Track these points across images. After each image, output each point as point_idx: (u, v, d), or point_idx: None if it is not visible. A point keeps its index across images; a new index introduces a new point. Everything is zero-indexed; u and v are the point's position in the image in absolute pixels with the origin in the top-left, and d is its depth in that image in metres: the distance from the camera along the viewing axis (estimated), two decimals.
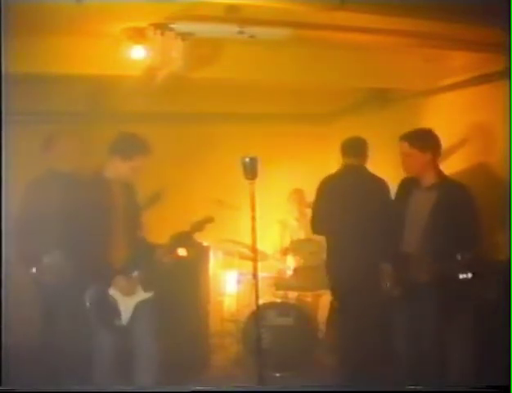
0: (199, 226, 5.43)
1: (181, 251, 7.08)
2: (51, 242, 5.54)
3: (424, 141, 5.33)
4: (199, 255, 7.29)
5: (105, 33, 5.71)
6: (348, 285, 6.16)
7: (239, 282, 7.80)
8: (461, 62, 6.49)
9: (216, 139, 8.24)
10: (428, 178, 5.38)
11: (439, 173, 5.40)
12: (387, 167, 7.26)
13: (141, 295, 5.20)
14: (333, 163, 8.86)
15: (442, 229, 5.15)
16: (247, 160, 4.37)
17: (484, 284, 5.13)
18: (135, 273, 5.14)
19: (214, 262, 7.89)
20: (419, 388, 4.93)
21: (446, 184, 5.36)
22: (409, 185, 5.53)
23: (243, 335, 7.24)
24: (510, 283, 4.91)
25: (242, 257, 7.58)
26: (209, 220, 5.47)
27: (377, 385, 5.41)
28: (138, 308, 5.15)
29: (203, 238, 7.24)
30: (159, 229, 5.46)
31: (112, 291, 5.04)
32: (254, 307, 5.22)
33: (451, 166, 5.99)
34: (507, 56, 5.26)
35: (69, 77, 6.21)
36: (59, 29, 5.53)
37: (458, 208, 5.17)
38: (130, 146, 5.08)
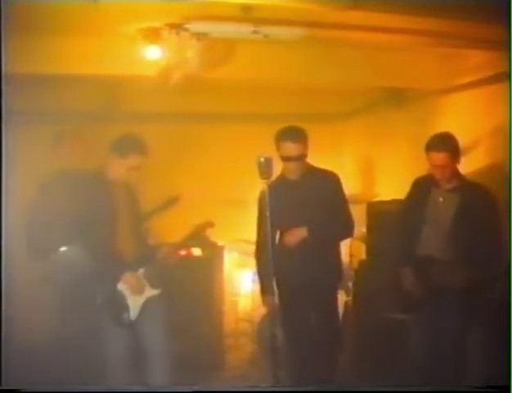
0: (200, 229, 5.48)
1: (196, 251, 7.11)
2: (59, 241, 5.60)
3: (456, 147, 5.27)
4: (214, 254, 7.30)
5: (120, 33, 5.72)
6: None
7: (254, 281, 7.78)
8: (477, 61, 6.46)
9: (231, 139, 8.25)
10: (451, 182, 5.34)
11: (458, 174, 5.38)
12: (401, 166, 7.27)
13: (151, 291, 5.24)
14: (348, 163, 8.91)
15: (469, 233, 5.14)
16: (262, 160, 4.37)
17: (486, 284, 5.16)
18: (141, 271, 5.17)
19: (229, 262, 7.89)
20: (419, 388, 4.93)
21: (468, 186, 5.33)
22: (426, 185, 5.48)
23: (258, 334, 7.26)
24: (510, 283, 4.89)
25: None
26: (210, 225, 5.56)
27: (379, 385, 5.40)
28: (150, 306, 5.19)
29: (217, 238, 7.26)
30: (173, 228, 5.48)
31: (121, 288, 5.08)
32: None
33: (466, 167, 5.97)
34: (508, 56, 5.27)
35: (85, 77, 6.23)
36: (74, 29, 5.54)
37: (483, 211, 5.15)
38: (127, 145, 5.12)
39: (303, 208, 5.43)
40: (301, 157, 5.40)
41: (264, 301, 5.54)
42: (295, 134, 5.40)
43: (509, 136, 5.31)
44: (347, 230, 5.73)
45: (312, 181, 5.49)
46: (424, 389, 4.89)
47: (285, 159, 5.39)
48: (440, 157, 5.21)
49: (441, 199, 5.37)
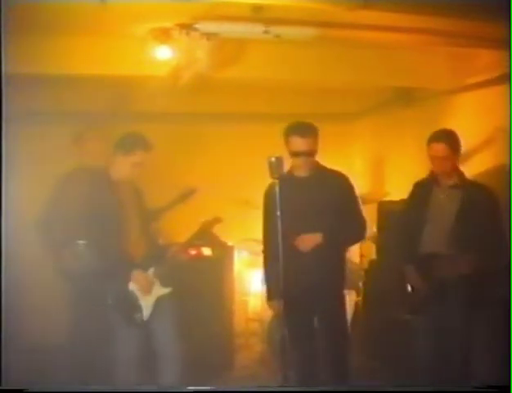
0: (208, 226, 5.49)
1: (206, 251, 7.11)
2: (67, 241, 5.62)
3: (456, 142, 5.33)
4: (224, 254, 7.30)
5: (130, 33, 5.74)
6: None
7: (264, 281, 7.78)
8: (487, 60, 6.44)
9: (241, 139, 8.26)
10: (451, 178, 5.39)
11: (459, 172, 5.43)
12: (412, 165, 7.25)
13: (161, 290, 5.26)
14: (358, 162, 8.90)
15: (472, 229, 5.15)
16: (273, 159, 4.37)
17: (487, 283, 5.22)
18: (151, 270, 5.19)
19: (239, 261, 7.89)
20: (419, 388, 4.92)
21: (469, 184, 5.38)
22: (427, 185, 5.54)
23: (268, 334, 7.26)
24: (510, 284, 4.91)
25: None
26: (218, 221, 5.57)
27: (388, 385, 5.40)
28: (161, 306, 5.20)
29: (227, 238, 7.27)
30: (183, 228, 5.49)
31: (132, 288, 5.09)
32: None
33: (474, 167, 5.97)
34: (508, 55, 5.28)
35: (95, 77, 6.24)
36: (84, 30, 5.57)
37: (485, 208, 5.18)
38: (130, 142, 5.16)
39: (314, 209, 5.27)
40: (310, 153, 5.23)
41: (270, 305, 5.48)
42: (304, 129, 5.23)
43: (510, 136, 5.32)
44: (359, 233, 5.59)
45: (320, 180, 5.33)
46: (424, 389, 4.89)
47: (294, 154, 5.22)
48: (440, 148, 5.27)
49: (442, 196, 5.41)
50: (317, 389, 5.23)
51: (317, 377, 5.41)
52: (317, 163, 5.40)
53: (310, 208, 5.27)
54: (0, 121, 4.05)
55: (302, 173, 5.34)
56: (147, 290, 5.14)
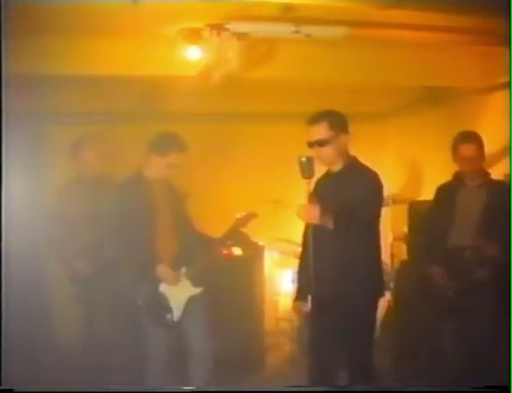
0: (243, 221, 5.48)
1: (237, 250, 7.13)
2: (97, 242, 5.65)
3: (481, 141, 5.41)
4: (255, 254, 7.31)
5: (161, 33, 5.76)
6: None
7: (294, 281, 7.78)
8: None
9: (272, 138, 8.24)
10: (477, 178, 5.46)
11: (486, 173, 5.51)
12: (443, 165, 7.21)
13: (192, 290, 5.27)
14: (388, 162, 8.86)
15: (496, 227, 5.13)
16: (303, 159, 4.35)
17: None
18: (183, 270, 5.20)
19: (270, 261, 7.90)
20: (419, 388, 4.90)
21: (494, 183, 5.46)
22: (452, 187, 5.61)
23: (298, 334, 7.26)
24: (510, 284, 4.92)
25: (298, 257, 7.54)
26: (253, 216, 5.53)
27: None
28: (191, 306, 5.22)
29: (258, 238, 7.27)
30: (215, 227, 5.50)
31: (163, 289, 5.10)
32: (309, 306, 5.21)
33: (503, 167, 5.95)
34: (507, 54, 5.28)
35: (126, 77, 6.27)
36: (115, 30, 5.60)
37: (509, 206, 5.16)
38: (166, 143, 5.17)
39: (336, 198, 4.71)
40: (324, 142, 4.78)
41: (295, 307, 5.26)
42: (316, 117, 4.90)
43: (510, 138, 5.31)
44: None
45: (351, 174, 4.86)
46: (424, 389, 4.87)
47: (308, 145, 4.84)
48: (470, 148, 5.37)
49: (468, 196, 5.47)
50: (345, 389, 5.21)
51: (344, 377, 5.37)
52: (351, 157, 4.98)
53: (335, 198, 4.74)
54: (0, 121, 4.07)
55: (333, 167, 4.95)
56: (173, 281, 5.16)
